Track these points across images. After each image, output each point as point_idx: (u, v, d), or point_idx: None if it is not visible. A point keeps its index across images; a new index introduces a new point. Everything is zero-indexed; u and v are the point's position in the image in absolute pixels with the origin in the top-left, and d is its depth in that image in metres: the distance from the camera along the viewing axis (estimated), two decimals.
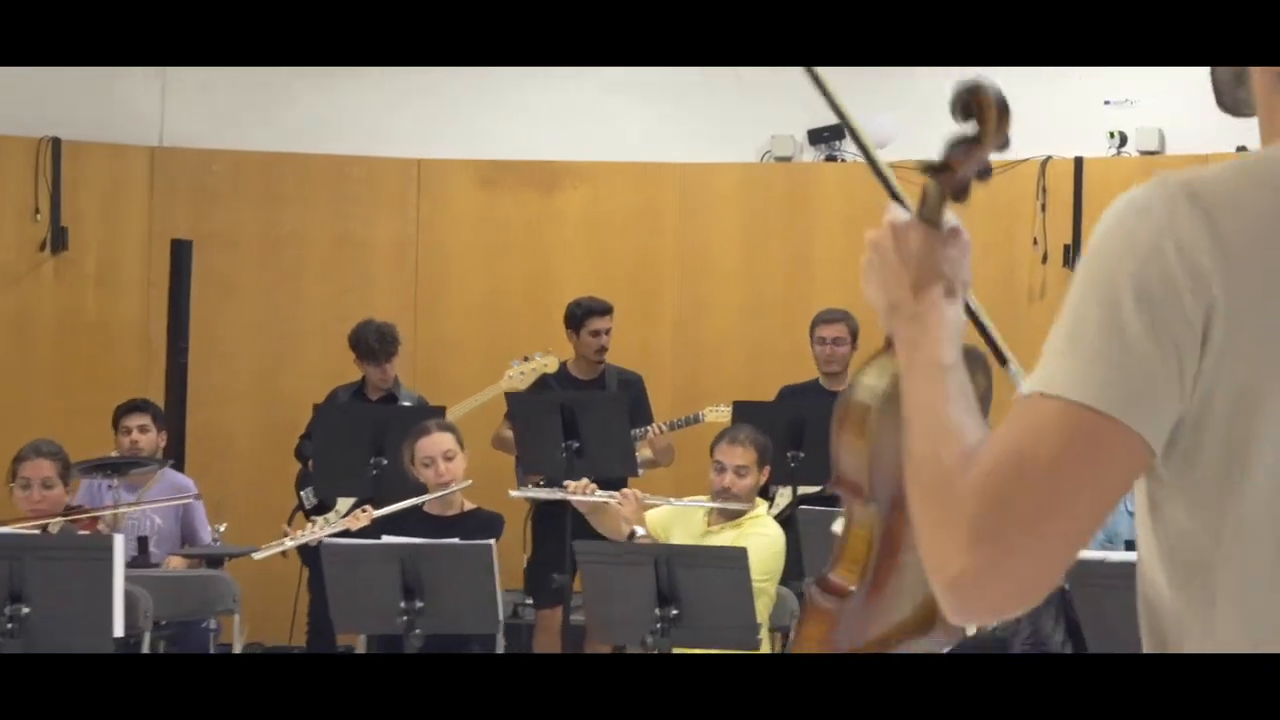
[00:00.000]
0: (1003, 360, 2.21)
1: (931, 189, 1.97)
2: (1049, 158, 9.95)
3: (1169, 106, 9.96)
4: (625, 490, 6.70)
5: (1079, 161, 10.01)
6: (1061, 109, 9.86)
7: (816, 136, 10.08)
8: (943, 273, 1.92)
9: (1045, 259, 9.99)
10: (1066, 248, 9.92)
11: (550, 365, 8.41)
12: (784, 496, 7.79)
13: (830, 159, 10.12)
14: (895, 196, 2.11)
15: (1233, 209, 1.68)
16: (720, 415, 8.14)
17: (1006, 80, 1.97)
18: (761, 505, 6.72)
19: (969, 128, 1.93)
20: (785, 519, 7.03)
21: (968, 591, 1.68)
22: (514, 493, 7.13)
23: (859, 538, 2.10)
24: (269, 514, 8.34)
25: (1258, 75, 1.78)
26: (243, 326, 9.70)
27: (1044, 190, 9.97)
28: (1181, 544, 1.69)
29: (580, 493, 6.56)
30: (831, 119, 9.76)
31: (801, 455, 7.41)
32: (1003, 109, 1.90)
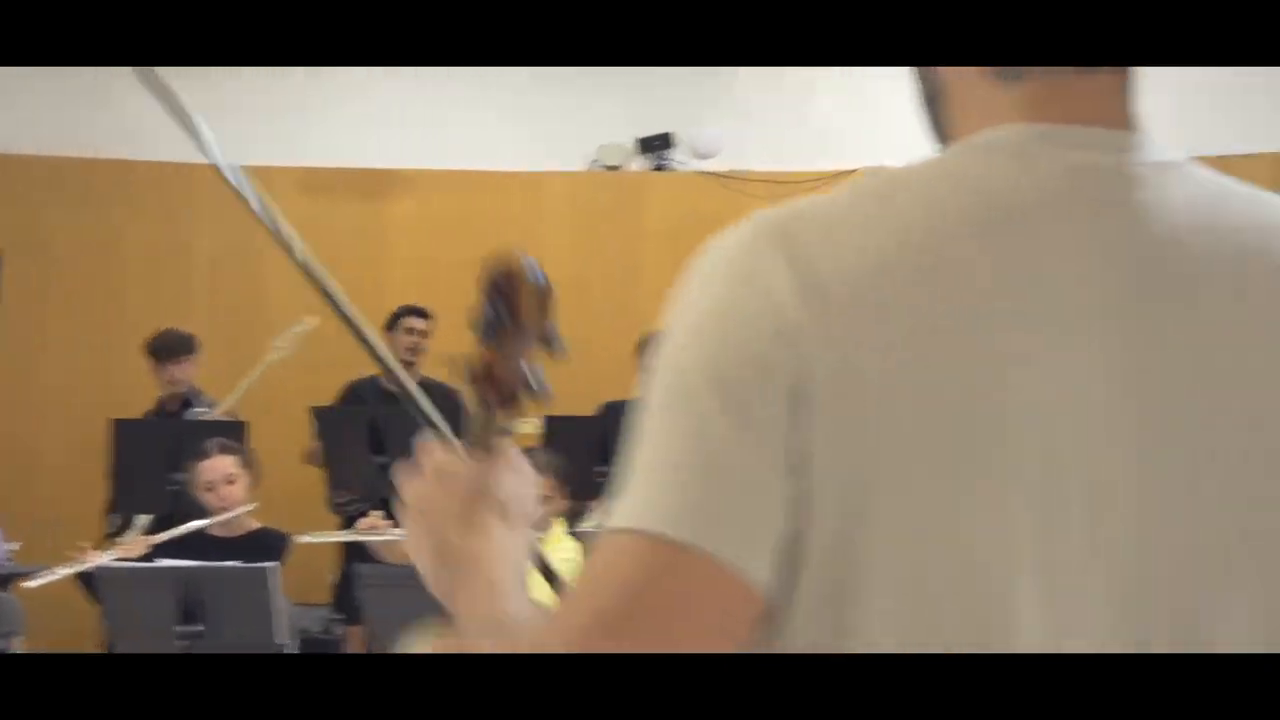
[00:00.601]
0: None
1: (477, 414, 1.66)
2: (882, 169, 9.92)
3: None
4: None
5: None
6: (896, 122, 9.87)
7: (646, 145, 10.01)
8: (500, 504, 1.61)
9: None
10: None
11: (311, 324, 8.10)
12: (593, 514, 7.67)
13: (659, 168, 10.07)
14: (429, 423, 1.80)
15: (841, 245, 1.32)
16: (531, 428, 7.99)
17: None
18: (559, 526, 6.56)
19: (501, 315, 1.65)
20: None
21: None
22: (302, 538, 6.92)
23: None
24: (75, 533, 8.11)
25: (954, 78, 1.45)
26: (54, 337, 9.45)
27: None
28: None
29: (370, 530, 6.42)
30: (661, 128, 9.99)
31: (609, 471, 7.28)
32: (544, 293, 1.63)
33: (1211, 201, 1.40)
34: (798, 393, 1.28)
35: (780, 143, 9.86)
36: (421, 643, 1.58)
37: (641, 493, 1.30)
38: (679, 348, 1.32)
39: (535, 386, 1.65)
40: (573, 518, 7.07)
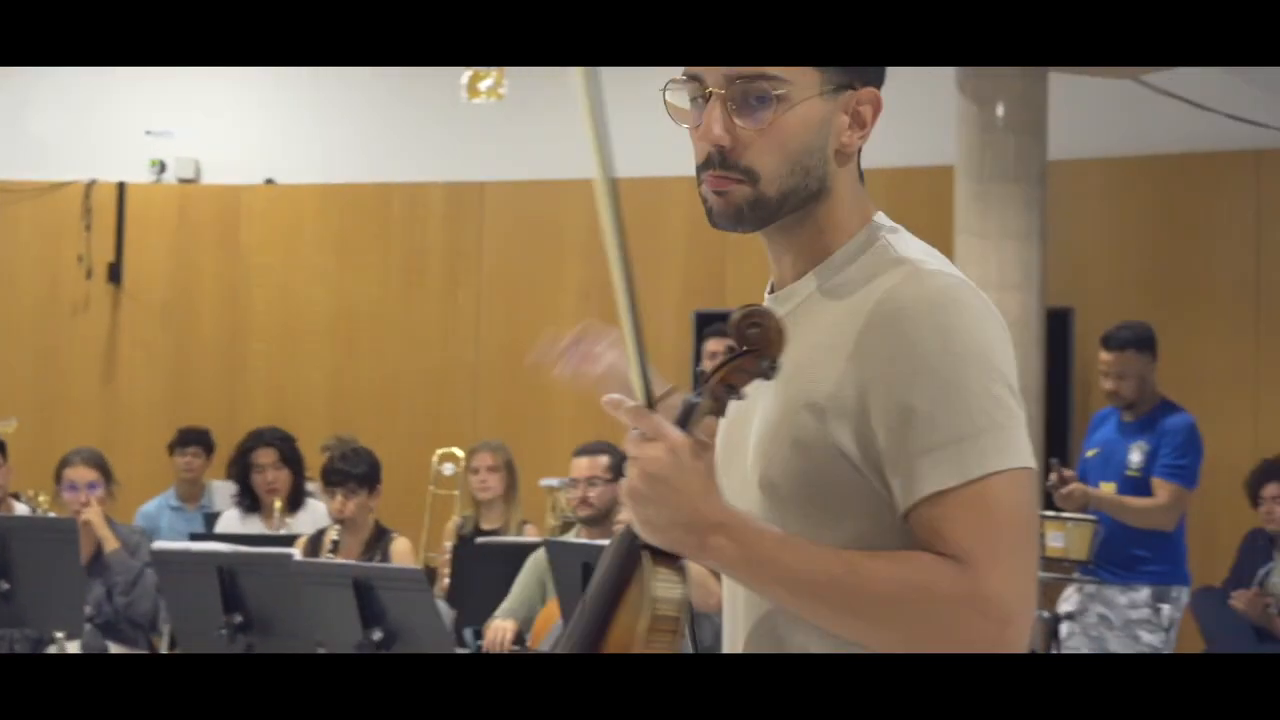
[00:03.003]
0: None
1: (707, 407, 2.08)
2: (94, 181, 11.07)
3: (205, 138, 11.31)
4: None
5: (122, 186, 11.12)
6: (106, 136, 11.19)
7: None
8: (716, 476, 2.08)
9: (90, 275, 11.04)
10: (110, 265, 11.07)
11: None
12: None
13: None
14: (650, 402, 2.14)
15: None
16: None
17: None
18: None
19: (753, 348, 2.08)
20: None
21: (1020, 634, 2.01)
22: None
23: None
24: None
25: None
26: None
27: (89, 211, 10.99)
28: None
29: None
30: None
31: None
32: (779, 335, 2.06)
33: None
34: None
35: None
36: (664, 587, 2.08)
37: (1007, 443, 2.04)
38: (992, 353, 2.07)
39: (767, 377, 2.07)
40: None
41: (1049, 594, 6.79)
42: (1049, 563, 6.58)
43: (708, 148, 2.15)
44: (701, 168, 2.17)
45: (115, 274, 11.05)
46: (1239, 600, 7.24)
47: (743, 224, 2.15)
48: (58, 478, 7.09)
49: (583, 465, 6.35)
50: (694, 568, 2.08)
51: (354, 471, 6.62)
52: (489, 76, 9.43)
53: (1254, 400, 9.19)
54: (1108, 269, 9.65)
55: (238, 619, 5.54)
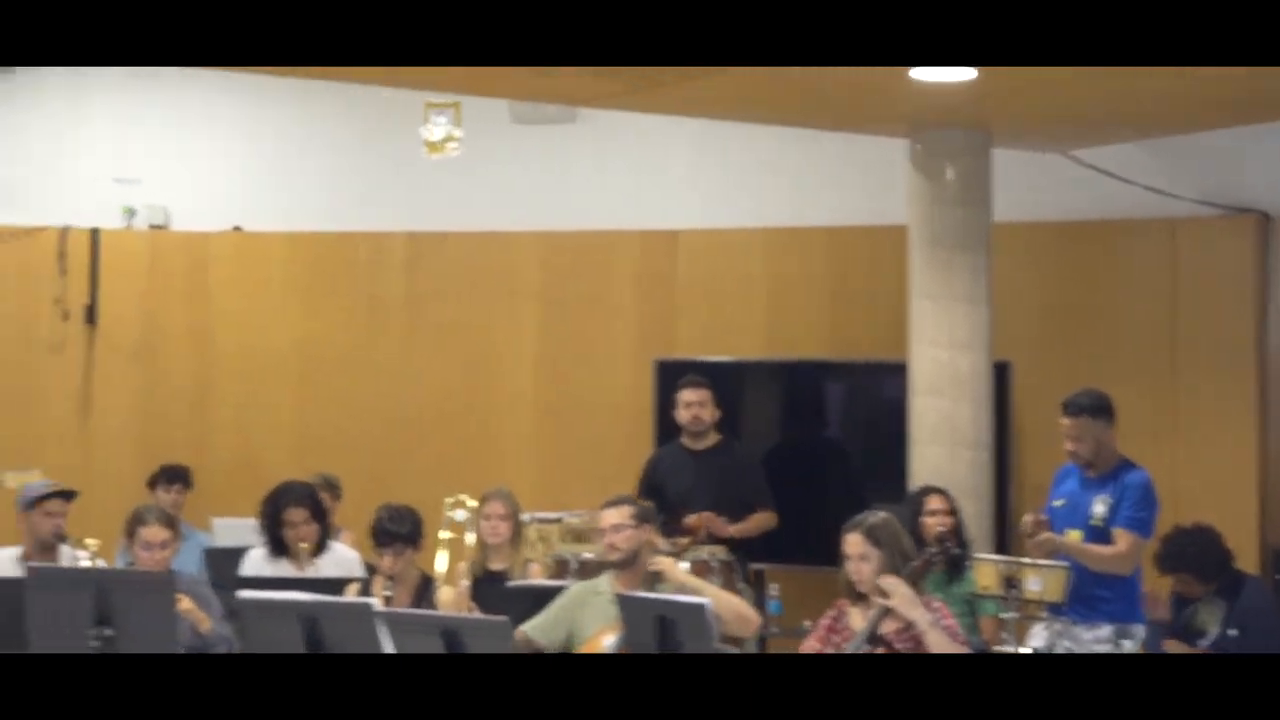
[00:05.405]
0: None
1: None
2: (68, 227, 11.53)
3: (174, 185, 11.82)
4: None
5: (95, 232, 11.58)
6: (78, 183, 11.68)
7: None
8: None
9: (66, 317, 11.51)
10: (86, 307, 11.55)
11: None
12: None
13: None
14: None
15: None
16: (22, 478, 8.68)
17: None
18: None
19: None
20: None
21: None
22: None
23: None
24: None
25: None
26: None
27: (64, 255, 11.46)
28: None
29: None
30: None
31: None
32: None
33: None
34: None
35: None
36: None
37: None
38: None
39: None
40: None
41: (1019, 631, 7.50)
42: (1026, 604, 7.34)
43: None
44: None
45: (91, 316, 11.47)
46: (1169, 647, 8.06)
47: None
48: (129, 533, 7.53)
49: (611, 515, 6.95)
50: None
51: (401, 532, 7.17)
52: (450, 137, 10.03)
53: (1171, 448, 9.92)
54: (1039, 325, 10.42)
55: None
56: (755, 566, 9.32)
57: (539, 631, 6.86)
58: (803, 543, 9.48)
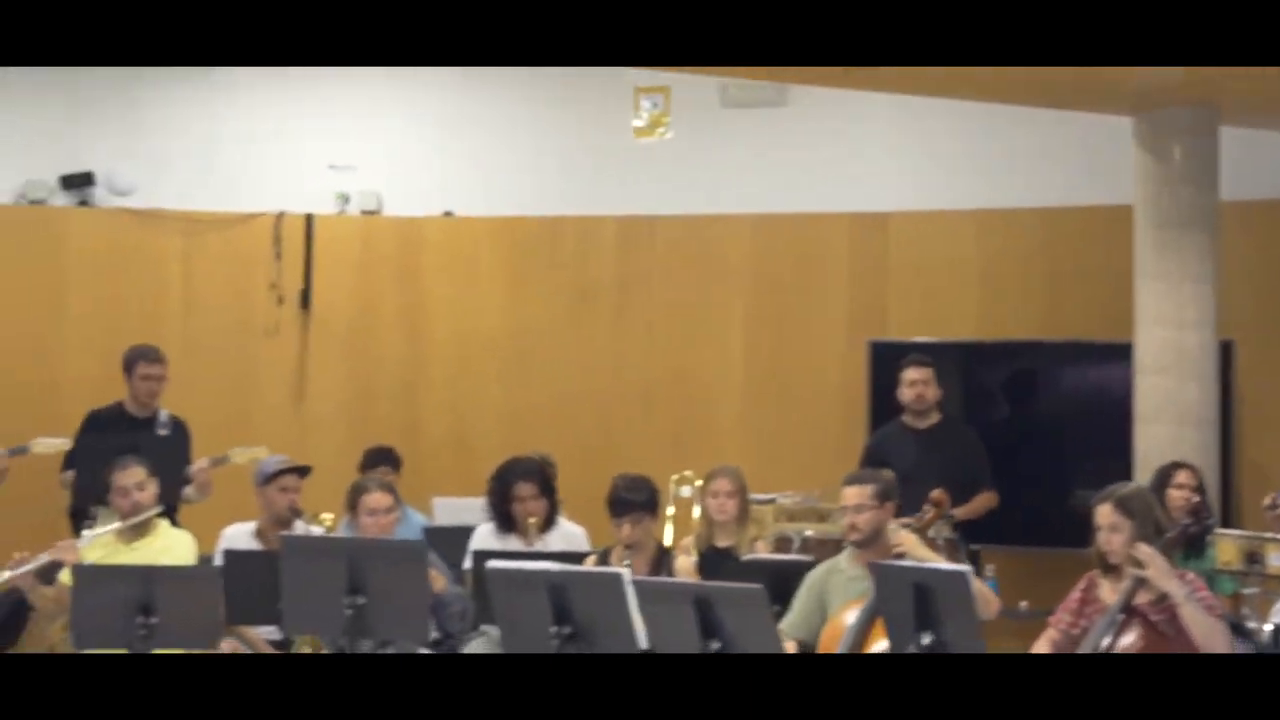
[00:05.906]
0: None
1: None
2: (283, 213, 11.60)
3: (386, 171, 11.87)
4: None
5: (309, 218, 11.64)
6: (293, 171, 11.74)
7: (68, 182, 11.45)
8: None
9: (281, 301, 11.60)
10: (301, 292, 11.64)
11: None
12: None
13: (82, 204, 11.45)
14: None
15: None
16: (250, 454, 8.79)
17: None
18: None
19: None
20: None
21: None
22: None
23: None
24: None
25: None
26: None
27: (279, 241, 11.55)
28: None
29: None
30: (83, 165, 11.40)
31: None
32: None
33: None
34: None
35: (190, 184, 11.50)
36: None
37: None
38: None
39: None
40: None
41: (1261, 607, 7.38)
42: (1267, 580, 7.21)
43: None
44: None
45: (305, 300, 11.64)
46: None
47: None
48: (352, 505, 7.65)
49: (851, 494, 6.86)
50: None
51: (637, 500, 7.18)
52: (659, 122, 10.05)
53: None
54: (1263, 304, 10.25)
55: (567, 630, 5.79)
56: (972, 546, 9.24)
57: (796, 629, 6.79)
58: (1017, 523, 9.41)
